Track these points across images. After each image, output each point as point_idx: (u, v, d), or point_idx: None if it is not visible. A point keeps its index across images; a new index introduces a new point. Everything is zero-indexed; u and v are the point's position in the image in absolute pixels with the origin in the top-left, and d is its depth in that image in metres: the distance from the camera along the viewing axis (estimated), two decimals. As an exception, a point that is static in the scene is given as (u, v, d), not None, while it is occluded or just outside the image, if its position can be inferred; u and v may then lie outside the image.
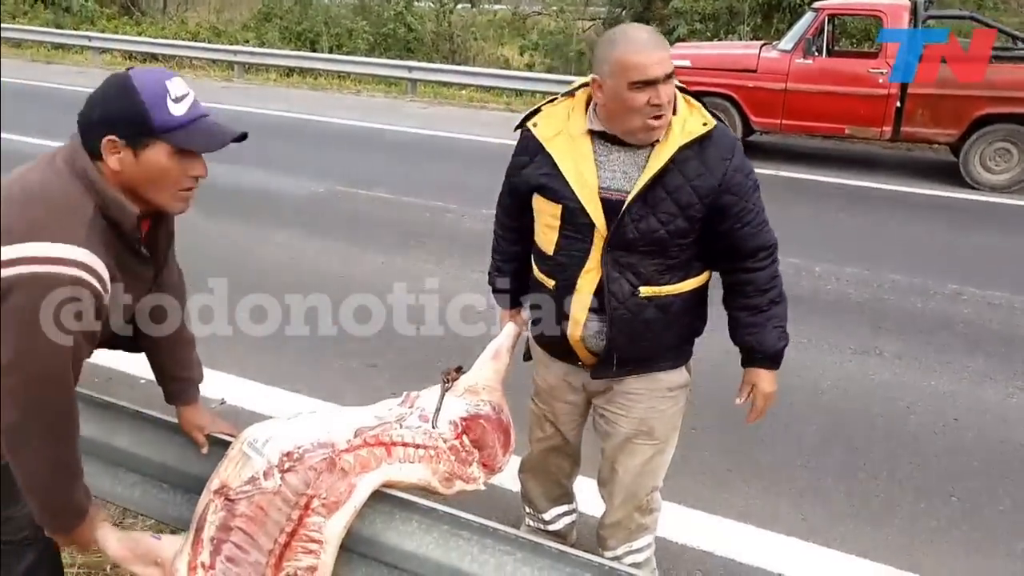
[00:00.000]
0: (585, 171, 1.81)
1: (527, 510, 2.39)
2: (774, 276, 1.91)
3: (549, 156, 1.85)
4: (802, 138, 8.47)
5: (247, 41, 15.89)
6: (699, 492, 2.85)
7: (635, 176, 1.79)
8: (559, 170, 1.83)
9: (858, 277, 5.01)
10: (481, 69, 13.38)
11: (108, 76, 1.47)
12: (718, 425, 3.15)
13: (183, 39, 15.86)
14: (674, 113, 1.78)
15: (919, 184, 7.64)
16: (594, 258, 1.84)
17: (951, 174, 7.72)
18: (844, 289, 4.87)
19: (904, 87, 7.48)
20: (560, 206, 1.84)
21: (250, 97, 11.36)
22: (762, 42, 8.88)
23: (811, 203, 6.87)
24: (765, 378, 1.99)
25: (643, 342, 1.90)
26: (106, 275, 1.41)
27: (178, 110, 1.43)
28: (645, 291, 1.84)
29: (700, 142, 1.78)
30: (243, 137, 1.50)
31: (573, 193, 1.81)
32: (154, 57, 14.69)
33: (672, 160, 1.76)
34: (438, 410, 1.83)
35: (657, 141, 1.77)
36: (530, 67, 15.59)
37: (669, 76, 1.71)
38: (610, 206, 1.80)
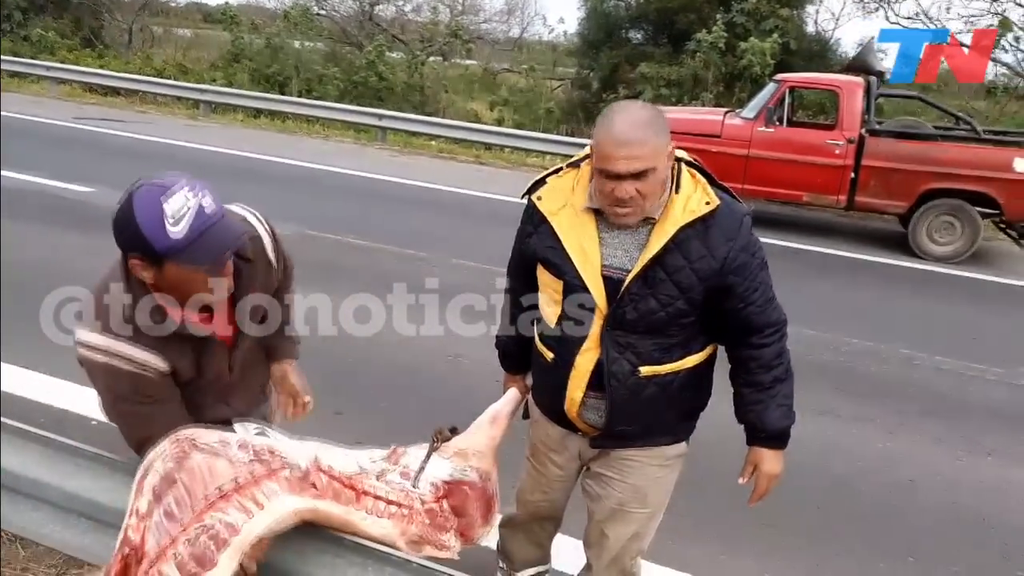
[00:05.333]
0: (588, 248, 1.76)
1: (501, 564, 2.35)
2: (780, 353, 1.86)
3: (553, 230, 1.79)
4: (761, 203, 8.75)
5: (215, 80, 15.83)
6: (664, 548, 2.83)
7: (635, 255, 1.73)
8: (563, 245, 1.77)
9: (817, 340, 5.15)
10: (451, 121, 13.48)
11: (120, 197, 1.54)
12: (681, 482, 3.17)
13: (148, 75, 15.66)
14: (677, 190, 1.72)
15: (871, 252, 7.94)
16: (593, 337, 1.79)
17: (900, 244, 8.06)
18: (803, 351, 4.96)
19: (858, 159, 7.83)
20: (562, 282, 1.79)
21: (215, 136, 11.28)
22: (726, 109, 9.21)
23: (771, 266, 7.05)
24: (768, 458, 1.92)
25: (643, 419, 1.87)
26: (137, 354, 1.60)
27: (177, 232, 1.47)
28: (645, 371, 1.79)
29: (703, 221, 1.71)
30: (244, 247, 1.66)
31: (575, 270, 1.76)
32: (116, 91, 14.51)
33: (673, 240, 1.70)
34: (422, 469, 1.77)
35: (655, 220, 1.72)
36: (499, 122, 15.81)
37: (637, 174, 1.62)
38: (611, 285, 1.75)
